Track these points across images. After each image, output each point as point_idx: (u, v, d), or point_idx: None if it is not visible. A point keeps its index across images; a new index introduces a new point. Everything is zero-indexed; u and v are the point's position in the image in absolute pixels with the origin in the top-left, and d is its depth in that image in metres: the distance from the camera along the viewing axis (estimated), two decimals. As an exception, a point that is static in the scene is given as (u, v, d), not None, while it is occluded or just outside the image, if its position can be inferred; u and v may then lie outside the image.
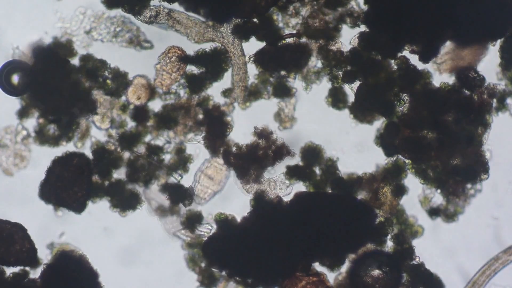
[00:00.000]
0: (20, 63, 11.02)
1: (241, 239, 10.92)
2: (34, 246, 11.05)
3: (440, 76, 11.26)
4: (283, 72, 11.28)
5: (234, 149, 11.19)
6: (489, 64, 11.37)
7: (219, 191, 11.30)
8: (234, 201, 11.28)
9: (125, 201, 11.20)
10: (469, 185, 11.31)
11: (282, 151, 11.14)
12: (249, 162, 11.10)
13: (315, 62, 11.28)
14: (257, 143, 11.14)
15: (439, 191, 11.32)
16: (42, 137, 11.15)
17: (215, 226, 11.19)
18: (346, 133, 11.36)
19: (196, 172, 11.28)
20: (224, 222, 11.10)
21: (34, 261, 11.06)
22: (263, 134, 11.16)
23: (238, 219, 11.16)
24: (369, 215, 11.12)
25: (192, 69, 11.27)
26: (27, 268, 11.07)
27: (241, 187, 11.16)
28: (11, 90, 11.05)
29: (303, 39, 11.20)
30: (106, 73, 11.15)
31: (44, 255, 11.13)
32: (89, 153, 11.17)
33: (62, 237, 11.21)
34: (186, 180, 11.30)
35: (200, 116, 11.24)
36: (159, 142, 11.26)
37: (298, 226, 10.87)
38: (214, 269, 11.13)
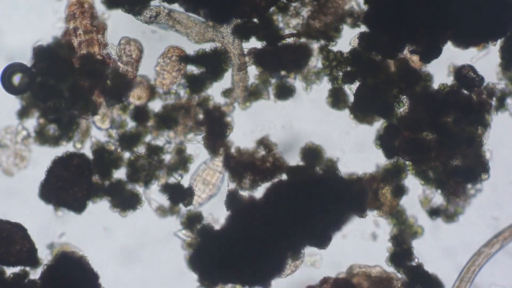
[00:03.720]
0: (21, 65, 11.02)
1: (225, 244, 10.90)
2: (34, 246, 11.06)
3: (439, 77, 11.31)
4: (283, 72, 11.29)
5: (233, 151, 11.21)
6: (489, 64, 11.38)
7: (215, 195, 11.30)
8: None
9: (125, 201, 11.21)
10: (469, 185, 11.32)
11: (280, 164, 11.14)
12: (247, 169, 11.11)
13: (315, 62, 11.29)
14: (258, 152, 11.18)
15: (439, 191, 11.32)
16: (42, 137, 11.15)
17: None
18: (346, 133, 11.38)
19: (192, 175, 11.29)
20: (205, 231, 11.09)
21: (34, 261, 11.06)
22: (266, 144, 11.18)
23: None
24: (344, 187, 11.11)
25: (192, 69, 11.28)
26: (28, 269, 11.07)
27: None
28: (15, 91, 11.05)
29: (303, 39, 11.21)
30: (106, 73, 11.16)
31: (44, 255, 11.14)
32: (89, 153, 11.18)
33: (62, 237, 11.22)
34: (186, 180, 11.31)
35: (200, 116, 11.25)
36: (159, 142, 11.27)
37: (277, 216, 10.84)
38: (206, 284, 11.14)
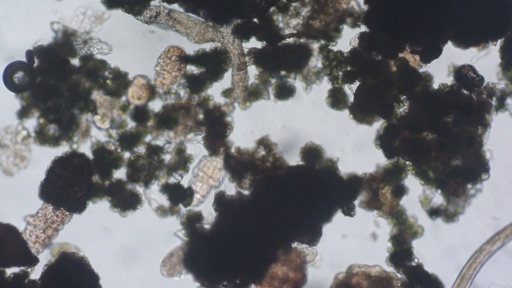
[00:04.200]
0: (21, 64, 11.02)
1: (217, 244, 10.89)
2: (26, 244, 11.01)
3: (439, 77, 11.31)
4: (283, 72, 11.29)
5: (233, 152, 11.20)
6: (489, 64, 11.38)
7: (216, 187, 11.30)
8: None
9: (125, 201, 11.21)
10: (469, 185, 11.32)
11: (280, 164, 11.13)
12: (247, 169, 11.10)
13: (315, 62, 11.29)
14: (258, 152, 11.17)
15: (439, 191, 11.32)
16: (42, 137, 11.15)
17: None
18: (346, 133, 11.38)
19: (193, 169, 11.29)
20: (194, 231, 11.09)
21: (30, 259, 11.02)
22: (266, 144, 11.17)
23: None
24: (333, 180, 11.09)
25: (192, 69, 11.28)
26: (28, 269, 11.07)
27: None
28: (16, 89, 11.04)
29: (303, 39, 11.20)
30: (106, 73, 11.16)
31: (44, 255, 11.13)
32: (89, 153, 11.18)
33: (61, 237, 11.22)
34: (186, 180, 11.32)
35: (200, 116, 11.25)
36: (159, 142, 11.27)
37: (266, 212, 10.83)
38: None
